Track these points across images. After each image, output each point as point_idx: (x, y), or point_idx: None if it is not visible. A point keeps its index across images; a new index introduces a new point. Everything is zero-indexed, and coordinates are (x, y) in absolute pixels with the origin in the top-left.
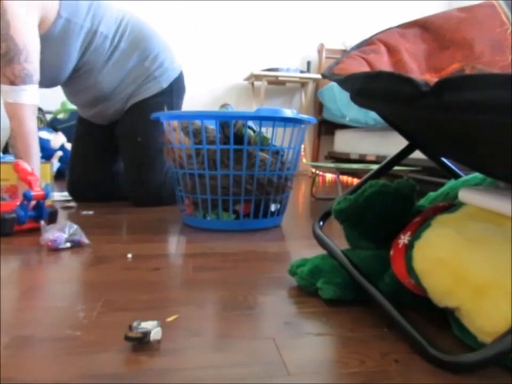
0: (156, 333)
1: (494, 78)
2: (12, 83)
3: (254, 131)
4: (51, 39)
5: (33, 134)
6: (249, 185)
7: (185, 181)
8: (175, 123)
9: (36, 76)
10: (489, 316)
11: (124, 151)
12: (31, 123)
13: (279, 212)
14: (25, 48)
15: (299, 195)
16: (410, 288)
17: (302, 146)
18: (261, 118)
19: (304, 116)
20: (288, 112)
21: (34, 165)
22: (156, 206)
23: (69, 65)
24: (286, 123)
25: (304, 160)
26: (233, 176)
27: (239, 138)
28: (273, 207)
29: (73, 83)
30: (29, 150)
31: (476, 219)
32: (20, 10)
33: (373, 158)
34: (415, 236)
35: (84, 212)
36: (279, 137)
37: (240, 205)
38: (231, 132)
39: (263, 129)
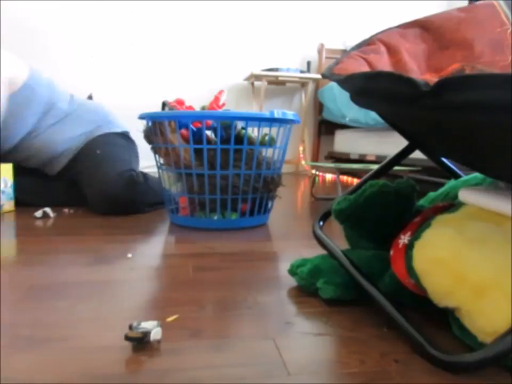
0: (155, 333)
1: (494, 78)
2: None
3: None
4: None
5: None
6: (257, 183)
7: (190, 181)
8: (172, 123)
9: None
10: (489, 316)
11: (84, 170)
12: None
13: (266, 211)
14: None
15: (299, 195)
16: (410, 288)
17: (301, 147)
18: (261, 119)
19: (289, 114)
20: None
21: None
22: (115, 213)
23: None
24: (272, 123)
25: (303, 162)
26: (243, 175)
27: (237, 140)
28: (269, 204)
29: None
30: None
31: (475, 219)
32: None
33: (373, 158)
34: (415, 236)
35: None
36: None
37: (248, 203)
38: (232, 133)
39: (255, 130)
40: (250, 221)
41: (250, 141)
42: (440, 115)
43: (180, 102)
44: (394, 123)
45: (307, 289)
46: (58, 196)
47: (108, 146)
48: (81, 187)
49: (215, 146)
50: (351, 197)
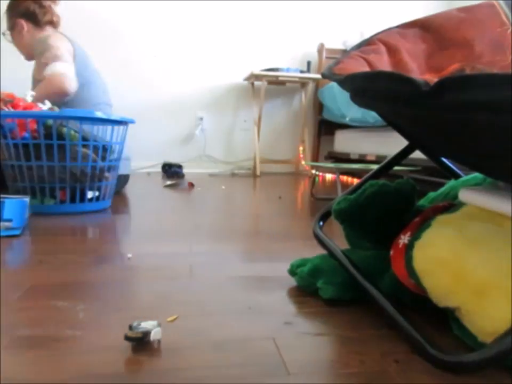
0: (155, 333)
1: (494, 78)
2: (46, 64)
3: (75, 131)
4: None
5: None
6: (63, 174)
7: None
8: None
9: (64, 59)
10: (490, 316)
11: None
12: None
13: (100, 198)
14: (58, 48)
15: (299, 195)
16: (410, 288)
17: (301, 147)
18: (77, 118)
19: (115, 117)
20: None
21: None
22: None
23: None
24: (104, 122)
25: (303, 162)
26: (48, 167)
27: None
28: (90, 194)
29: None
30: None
31: (476, 219)
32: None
33: (373, 158)
34: (415, 236)
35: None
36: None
37: (67, 192)
38: (54, 131)
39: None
40: (94, 205)
41: (63, 137)
42: (441, 115)
43: (11, 96)
44: (394, 123)
45: (307, 289)
46: None
47: None
48: None
49: (39, 141)
50: (351, 197)
